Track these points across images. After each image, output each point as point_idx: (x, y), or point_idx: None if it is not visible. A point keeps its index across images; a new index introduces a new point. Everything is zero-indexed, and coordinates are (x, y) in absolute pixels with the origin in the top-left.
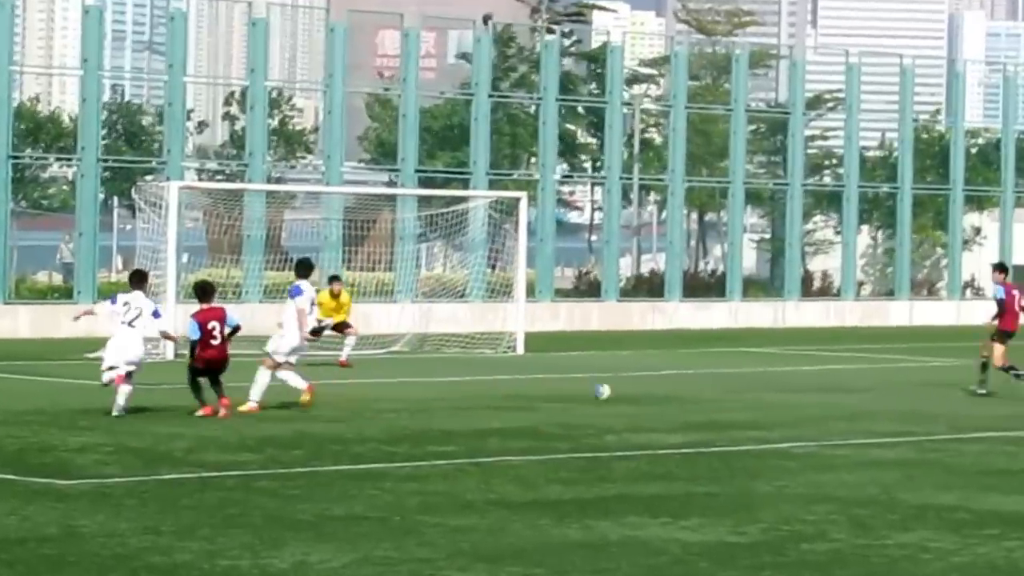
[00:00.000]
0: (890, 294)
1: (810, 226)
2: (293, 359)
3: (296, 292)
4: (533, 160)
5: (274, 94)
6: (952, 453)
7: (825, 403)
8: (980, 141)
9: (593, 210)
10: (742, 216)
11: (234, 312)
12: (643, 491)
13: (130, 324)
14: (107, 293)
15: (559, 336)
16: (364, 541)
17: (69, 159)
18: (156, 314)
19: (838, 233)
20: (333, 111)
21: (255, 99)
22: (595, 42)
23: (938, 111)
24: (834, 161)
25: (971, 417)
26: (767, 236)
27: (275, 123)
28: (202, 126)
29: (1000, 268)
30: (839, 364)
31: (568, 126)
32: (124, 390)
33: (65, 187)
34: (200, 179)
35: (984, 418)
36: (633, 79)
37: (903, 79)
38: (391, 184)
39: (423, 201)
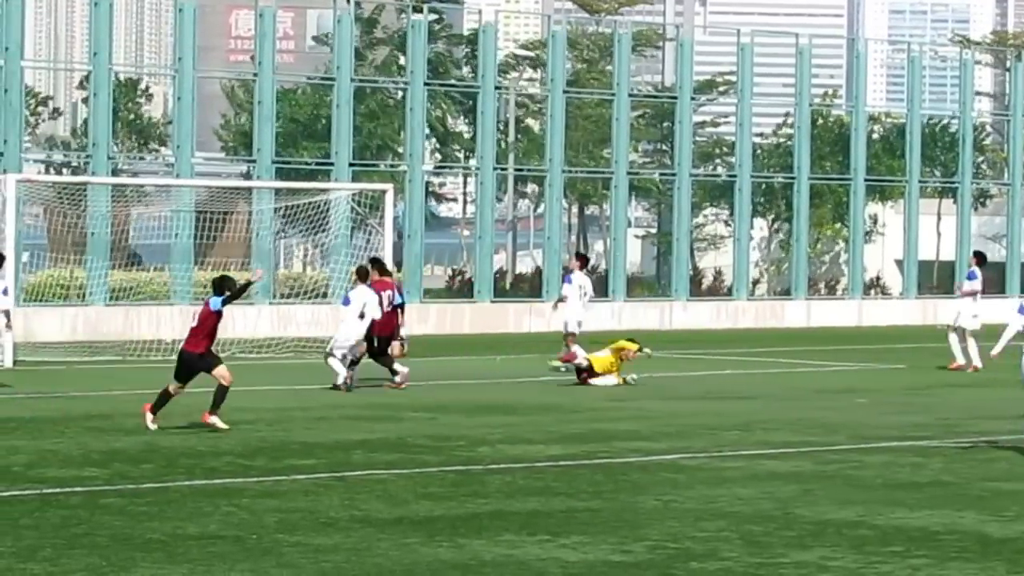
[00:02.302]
0: (786, 293)
1: (700, 220)
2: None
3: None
4: (401, 150)
5: (121, 79)
6: (853, 465)
7: (716, 411)
8: (883, 127)
9: (466, 203)
10: (626, 209)
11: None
12: (519, 507)
13: None
14: None
15: (429, 340)
16: (219, 562)
17: None
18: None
19: (730, 227)
20: (183, 97)
21: (99, 85)
22: (468, 23)
23: (835, 93)
24: (725, 149)
25: (874, 426)
26: (653, 231)
27: (125, 112)
28: (56, 114)
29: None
30: (731, 369)
31: (439, 113)
32: None
33: None
34: (48, 171)
35: (887, 427)
36: (510, 63)
37: (799, 60)
38: (247, 176)
39: (282, 194)
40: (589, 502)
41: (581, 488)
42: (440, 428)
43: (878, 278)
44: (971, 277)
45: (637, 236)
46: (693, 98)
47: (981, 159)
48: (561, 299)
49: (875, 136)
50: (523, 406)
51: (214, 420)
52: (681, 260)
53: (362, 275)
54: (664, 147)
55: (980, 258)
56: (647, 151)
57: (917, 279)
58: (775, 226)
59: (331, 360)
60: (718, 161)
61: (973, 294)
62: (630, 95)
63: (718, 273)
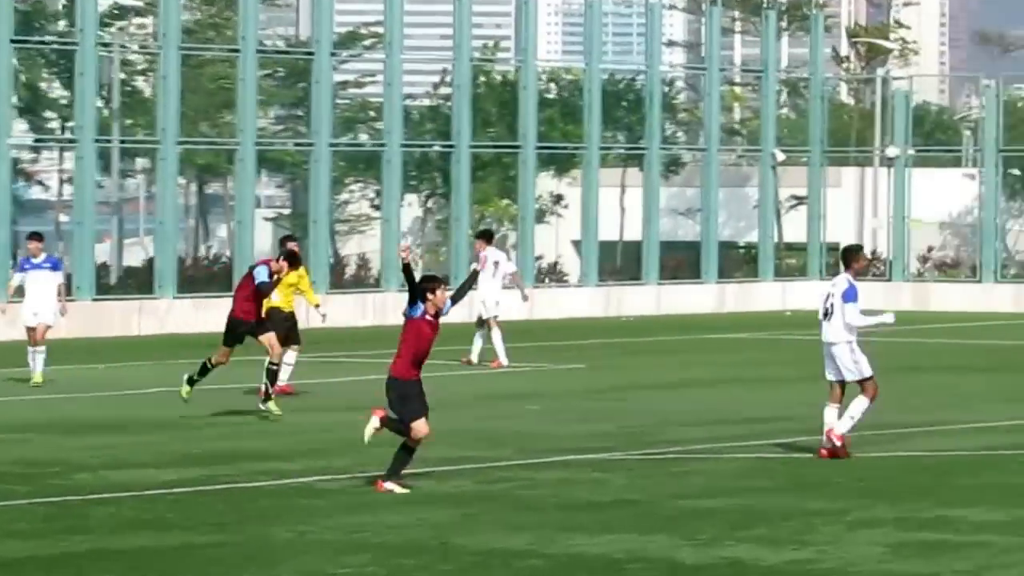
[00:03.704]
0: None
1: (344, 197)
2: None
3: None
4: None
5: None
6: (523, 483)
7: (359, 424)
8: (559, 85)
9: (62, 183)
10: (254, 186)
11: None
12: (126, 544)
13: None
14: None
15: (11, 347)
16: None
17: None
18: None
19: (377, 207)
20: None
21: None
22: None
23: (497, 45)
24: (372, 114)
25: (547, 437)
26: (287, 212)
27: None
28: None
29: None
30: (378, 374)
31: (30, 76)
32: None
33: None
34: None
35: (563, 437)
36: (115, 12)
37: (457, 7)
38: None
39: None
40: (210, 535)
41: (201, 519)
42: (31, 451)
43: (555, 263)
44: (477, 260)
45: (268, 218)
46: (333, 54)
47: (672, 120)
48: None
49: (550, 97)
50: (133, 424)
51: None
52: (320, 246)
53: None
54: (299, 112)
55: (487, 237)
56: (280, 117)
57: (598, 263)
58: (431, 204)
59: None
60: (363, 128)
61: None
62: (259, 51)
63: (364, 260)
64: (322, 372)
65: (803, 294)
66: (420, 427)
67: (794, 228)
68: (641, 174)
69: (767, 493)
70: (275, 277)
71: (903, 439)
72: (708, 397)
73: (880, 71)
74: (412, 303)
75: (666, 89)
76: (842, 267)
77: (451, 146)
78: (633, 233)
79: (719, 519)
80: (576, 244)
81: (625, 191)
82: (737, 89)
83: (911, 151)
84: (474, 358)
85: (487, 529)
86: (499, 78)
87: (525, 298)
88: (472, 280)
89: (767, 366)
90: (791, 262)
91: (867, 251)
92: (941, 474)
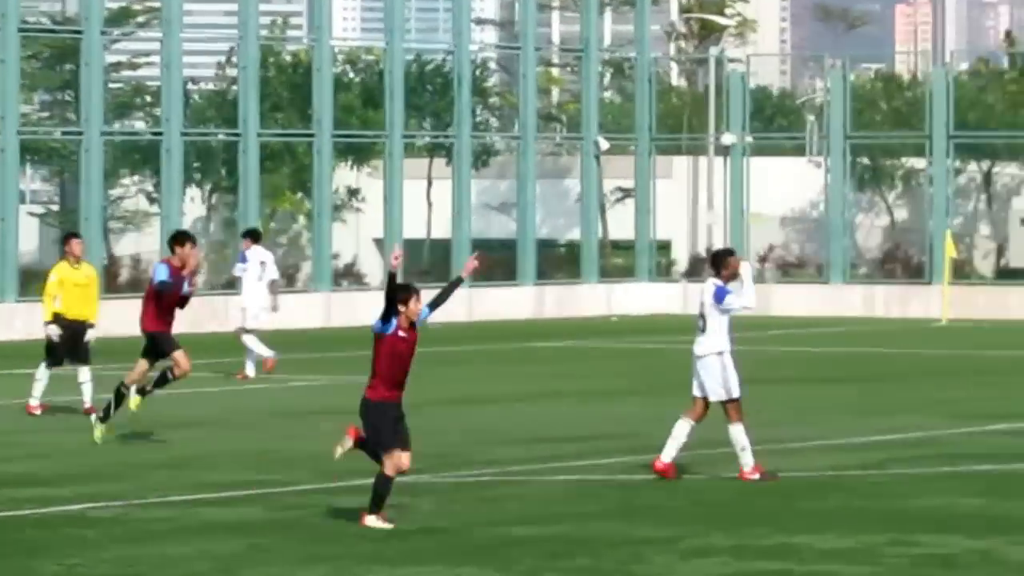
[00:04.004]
0: (229, 286)
1: (118, 192)
2: None
3: None
4: None
5: None
6: (320, 510)
7: (141, 446)
8: (357, 68)
9: None
10: (17, 180)
11: None
12: None
13: None
14: None
15: None
16: None
17: None
18: None
19: (156, 202)
20: None
21: None
22: None
23: (286, 22)
24: (149, 99)
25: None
26: (55, 207)
27: None
28: None
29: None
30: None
31: None
32: None
33: None
34: None
35: (362, 459)
36: None
37: None
38: None
39: None
40: None
41: None
42: None
43: (352, 264)
44: (242, 260)
45: (34, 214)
46: (104, 32)
47: (484, 106)
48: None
49: (347, 80)
50: None
51: None
52: (92, 245)
53: None
54: (67, 97)
55: (254, 237)
56: (45, 103)
57: (402, 264)
58: (215, 199)
59: None
60: (139, 114)
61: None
62: (21, 29)
63: (137, 262)
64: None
65: (630, 297)
66: (396, 458)
67: (620, 224)
68: (449, 166)
69: (591, 519)
70: (185, 272)
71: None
72: (525, 413)
73: (714, 50)
74: (385, 318)
75: (477, 71)
76: (711, 272)
77: (237, 134)
78: (441, 231)
79: (537, 548)
80: (378, 242)
81: (432, 184)
82: (555, 71)
83: (749, 138)
84: (250, 372)
85: (278, 561)
86: (290, 59)
87: (275, 309)
88: (456, 284)
89: (591, 378)
90: (617, 262)
91: (702, 249)
92: (783, 497)
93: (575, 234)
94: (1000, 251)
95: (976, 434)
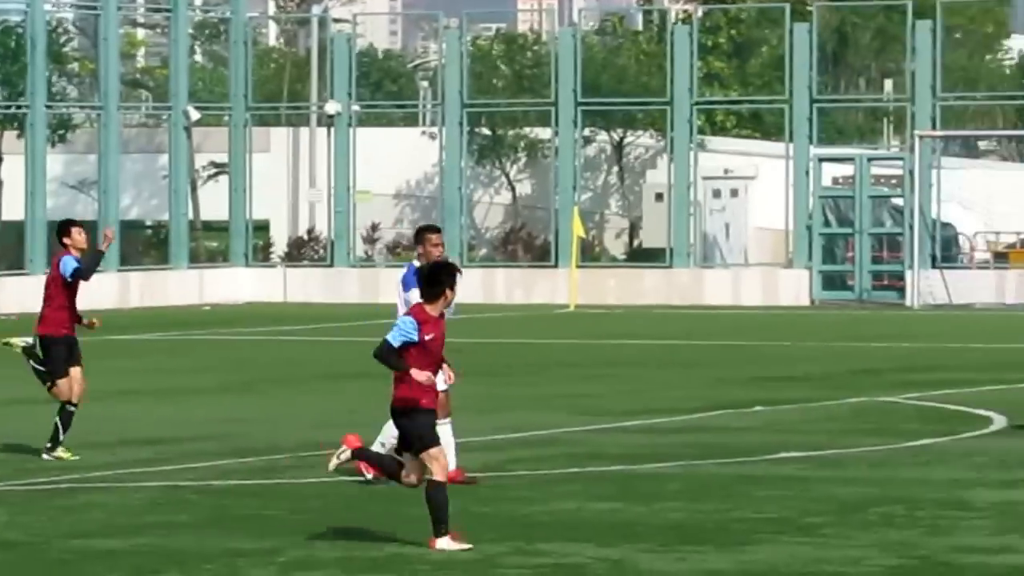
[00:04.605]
0: None
1: None
2: None
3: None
4: None
5: None
6: None
7: None
8: None
9: None
10: None
11: None
12: None
13: None
14: None
15: None
16: None
17: None
18: None
19: None
20: None
21: None
22: None
23: None
24: None
25: None
26: None
27: None
28: None
29: None
30: None
31: None
32: None
33: None
34: None
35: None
36: None
37: None
38: None
39: None
40: None
41: None
42: None
43: None
44: None
45: None
46: None
47: (61, 73)
48: None
49: None
50: None
51: None
52: None
53: None
54: None
55: None
56: None
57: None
58: None
59: None
60: None
61: None
62: None
63: None
64: None
65: (225, 284)
66: (438, 456)
67: (214, 203)
68: (22, 139)
69: (182, 529)
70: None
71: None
72: (112, 413)
73: (316, 9)
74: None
75: (52, 34)
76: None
77: None
78: (14, 212)
79: (123, 562)
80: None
81: (2, 160)
82: (141, 32)
83: (356, 107)
84: None
85: None
86: None
87: None
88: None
89: (180, 374)
90: (211, 245)
91: (303, 230)
92: (394, 503)
93: (165, 215)
94: (633, 230)
95: (606, 432)
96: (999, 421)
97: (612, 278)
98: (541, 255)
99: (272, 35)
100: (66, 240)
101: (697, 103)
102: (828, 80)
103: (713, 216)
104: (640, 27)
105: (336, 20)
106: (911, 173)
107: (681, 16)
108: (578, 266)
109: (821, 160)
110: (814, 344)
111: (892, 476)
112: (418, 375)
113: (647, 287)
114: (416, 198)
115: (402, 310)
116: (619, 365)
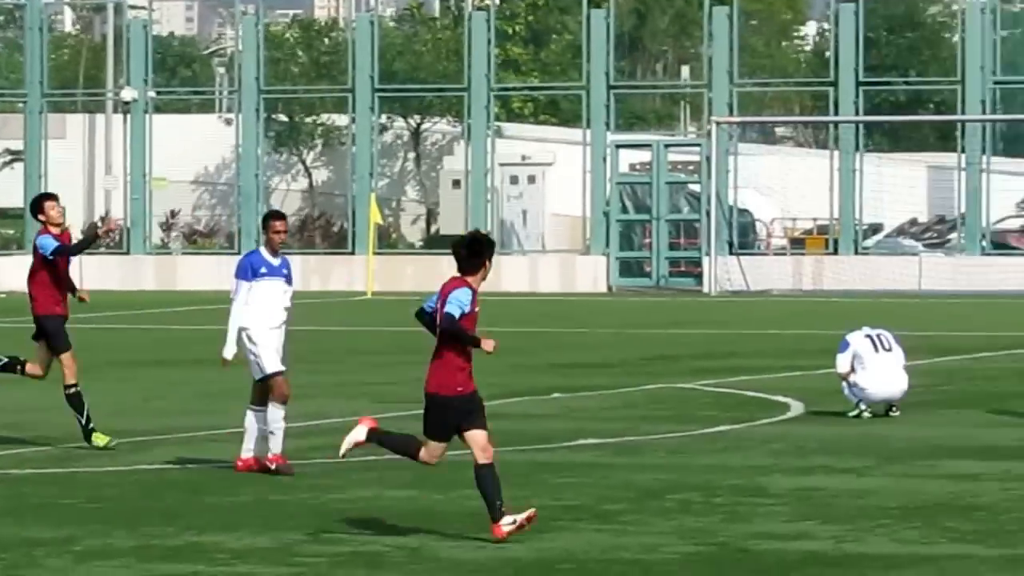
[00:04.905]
0: None
1: None
2: None
3: None
4: None
5: None
6: None
7: None
8: None
9: None
10: None
11: None
12: None
13: None
14: None
15: None
16: None
17: None
18: None
19: None
20: None
21: None
22: None
23: None
24: None
25: None
26: None
27: None
28: None
29: None
30: None
31: None
32: None
33: None
34: None
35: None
36: None
37: None
38: None
39: None
40: None
41: None
42: None
43: None
44: None
45: None
46: None
47: None
48: None
49: None
50: None
51: None
52: None
53: None
54: None
55: None
56: None
57: None
58: None
59: None
60: None
61: None
62: None
63: None
64: None
65: (21, 272)
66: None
67: (10, 190)
68: None
69: None
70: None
71: (144, 449)
72: None
73: None
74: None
75: None
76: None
77: None
78: None
79: None
80: None
81: None
82: None
83: (152, 93)
84: None
85: None
86: None
87: None
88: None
89: None
90: (7, 232)
91: (97, 217)
92: (191, 492)
93: None
94: (430, 216)
95: (404, 419)
96: (796, 407)
97: (410, 265)
98: (338, 242)
99: (68, 21)
100: (40, 217)
101: (494, 90)
102: (625, 66)
103: (510, 203)
104: (437, 14)
105: (132, 7)
106: (708, 159)
107: (478, 3)
108: (375, 253)
109: (618, 146)
110: (612, 331)
111: (690, 463)
112: (487, 344)
113: (445, 274)
114: (213, 185)
115: (234, 295)
116: (417, 352)
